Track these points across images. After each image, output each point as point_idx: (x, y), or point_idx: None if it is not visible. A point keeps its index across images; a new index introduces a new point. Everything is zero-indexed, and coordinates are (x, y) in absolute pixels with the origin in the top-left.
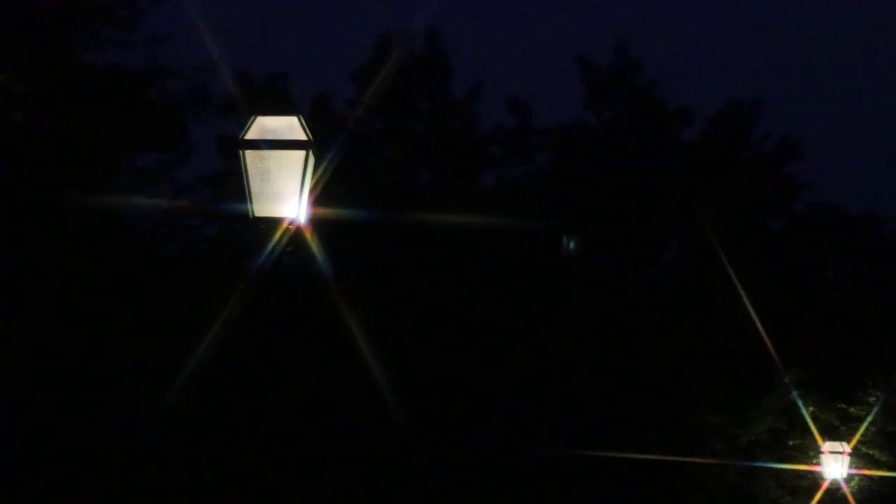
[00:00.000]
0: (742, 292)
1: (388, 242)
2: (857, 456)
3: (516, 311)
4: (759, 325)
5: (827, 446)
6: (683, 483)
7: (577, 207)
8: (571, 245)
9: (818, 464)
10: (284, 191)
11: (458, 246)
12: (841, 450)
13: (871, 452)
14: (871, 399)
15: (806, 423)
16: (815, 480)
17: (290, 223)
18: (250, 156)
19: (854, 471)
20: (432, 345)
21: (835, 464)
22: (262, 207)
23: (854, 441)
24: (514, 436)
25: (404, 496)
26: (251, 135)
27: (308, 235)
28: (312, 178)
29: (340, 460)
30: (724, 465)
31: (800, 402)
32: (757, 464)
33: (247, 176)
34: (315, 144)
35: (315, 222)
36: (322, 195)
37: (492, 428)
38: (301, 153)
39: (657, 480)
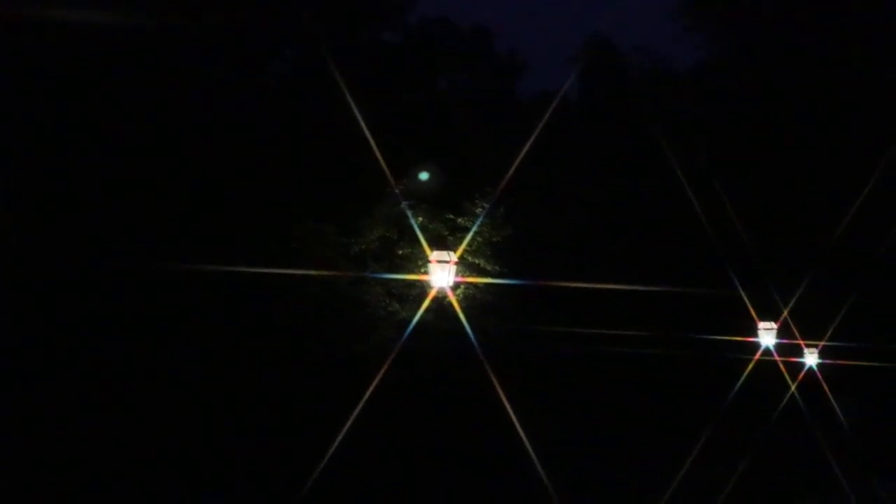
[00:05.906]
0: (352, 102)
1: None
2: (464, 265)
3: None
4: (369, 135)
5: (434, 255)
6: (292, 291)
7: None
8: None
9: (426, 273)
10: None
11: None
12: (448, 259)
13: (477, 261)
14: (478, 210)
15: (415, 234)
16: (423, 288)
17: None
18: None
19: (460, 279)
20: None
21: (441, 272)
22: None
23: (460, 250)
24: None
25: None
26: None
27: None
28: None
29: None
30: (335, 274)
31: (409, 213)
32: (367, 273)
33: None
34: None
35: None
36: None
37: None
38: None
39: (267, 289)
